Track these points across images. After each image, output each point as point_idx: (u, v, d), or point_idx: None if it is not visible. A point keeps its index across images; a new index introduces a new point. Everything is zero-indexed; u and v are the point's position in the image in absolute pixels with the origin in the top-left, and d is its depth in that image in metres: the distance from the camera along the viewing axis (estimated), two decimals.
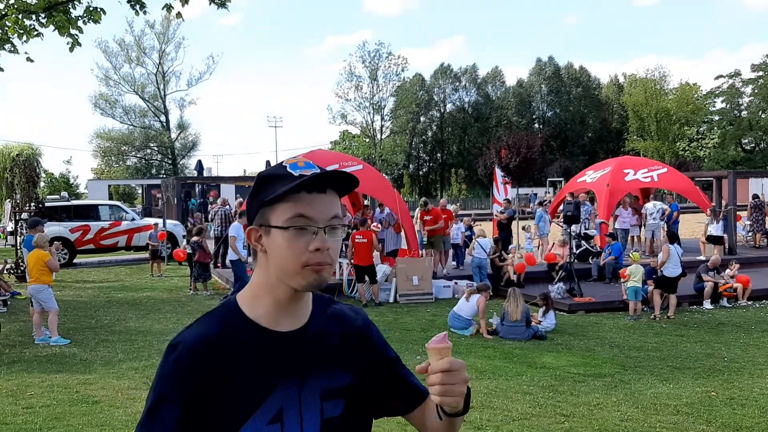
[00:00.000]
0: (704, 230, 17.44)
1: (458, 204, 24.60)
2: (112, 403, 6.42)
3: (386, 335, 9.84)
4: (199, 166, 29.24)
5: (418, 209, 15.45)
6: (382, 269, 13.24)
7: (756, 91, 63.27)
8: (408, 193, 63.74)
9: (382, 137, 67.26)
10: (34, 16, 11.92)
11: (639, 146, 64.84)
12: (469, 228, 16.64)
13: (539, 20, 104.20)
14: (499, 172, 19.51)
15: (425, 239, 14.83)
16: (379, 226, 14.20)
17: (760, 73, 62.18)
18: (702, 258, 15.63)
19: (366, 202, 17.42)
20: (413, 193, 68.22)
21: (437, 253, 14.85)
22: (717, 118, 67.31)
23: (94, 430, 5.71)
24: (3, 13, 11.93)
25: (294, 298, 1.39)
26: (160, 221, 19.45)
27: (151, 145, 63.74)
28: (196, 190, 24.47)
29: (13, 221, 16.28)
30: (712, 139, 67.05)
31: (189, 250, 14.10)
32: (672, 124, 65.86)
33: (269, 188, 1.35)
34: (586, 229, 15.66)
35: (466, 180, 66.03)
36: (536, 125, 74.08)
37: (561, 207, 16.63)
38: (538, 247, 17.56)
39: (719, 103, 66.71)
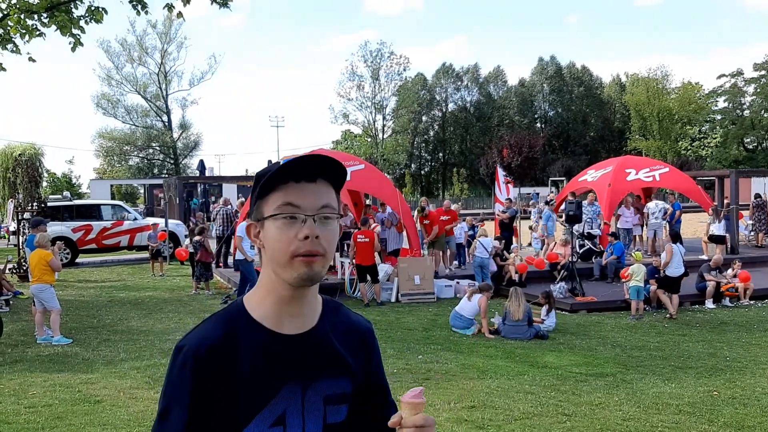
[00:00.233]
0: (706, 230, 17.41)
1: (460, 203, 24.56)
2: (114, 403, 6.42)
3: (388, 335, 9.87)
4: (201, 165, 29.25)
5: (416, 212, 15.41)
6: (384, 269, 13.23)
7: (758, 90, 63.19)
8: (410, 193, 63.72)
9: (384, 137, 67.28)
10: (36, 16, 11.94)
11: (641, 146, 64.81)
12: (472, 227, 16.64)
13: (541, 19, 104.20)
14: (501, 172, 19.53)
15: (425, 241, 14.80)
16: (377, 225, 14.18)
17: (763, 72, 62.09)
18: (704, 257, 15.61)
19: (368, 202, 17.43)
20: (415, 192, 68.19)
21: (437, 253, 14.83)
22: (719, 117, 67.23)
23: (96, 429, 5.72)
24: (5, 12, 11.95)
25: (296, 297, 1.38)
26: (159, 221, 19.47)
27: (153, 144, 63.81)
28: (198, 189, 24.49)
29: (16, 221, 16.30)
30: (715, 138, 66.95)
31: (191, 250, 14.12)
32: (674, 124, 65.81)
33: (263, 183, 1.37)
34: (590, 229, 15.64)
35: (468, 179, 66.01)
36: (538, 125, 74.04)
37: (563, 206, 16.63)
38: (542, 246, 17.54)
39: (721, 103, 66.71)
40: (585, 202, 15.99)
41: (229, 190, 35.46)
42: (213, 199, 22.53)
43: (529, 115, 73.78)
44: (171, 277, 16.31)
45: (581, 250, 15.35)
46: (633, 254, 12.86)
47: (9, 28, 11.99)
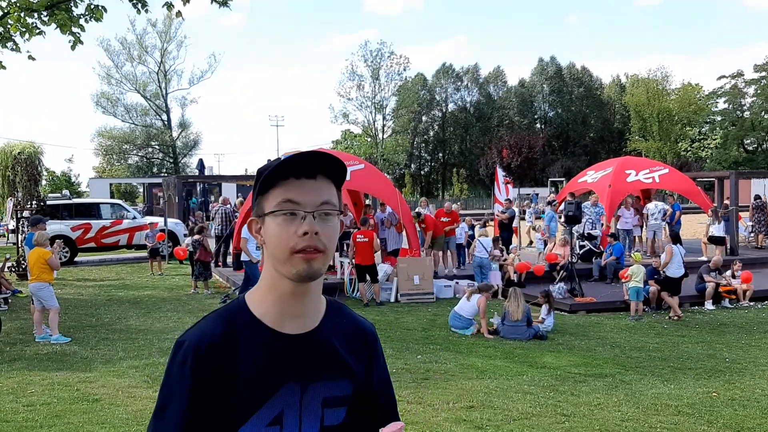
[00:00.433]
0: (706, 231, 17.41)
1: (459, 204, 24.57)
2: (112, 402, 6.42)
3: (387, 335, 9.86)
4: (201, 164, 29.24)
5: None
6: (383, 269, 13.23)
7: (759, 91, 63.20)
8: (410, 193, 63.71)
9: (384, 137, 67.29)
10: (36, 14, 11.92)
11: (641, 146, 64.82)
12: (471, 228, 16.63)
13: (541, 20, 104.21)
14: (500, 172, 19.52)
15: (423, 248, 14.77)
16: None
17: (763, 74, 62.10)
18: (703, 259, 15.62)
19: (368, 202, 17.41)
20: (415, 192, 68.20)
21: (436, 253, 14.81)
22: (719, 118, 67.25)
23: (95, 428, 5.71)
24: (5, 11, 11.93)
25: (297, 294, 1.37)
26: (157, 220, 19.45)
27: (153, 143, 63.80)
28: (198, 188, 24.48)
29: (15, 219, 16.29)
30: (714, 139, 66.98)
31: (190, 249, 14.11)
32: (674, 125, 65.82)
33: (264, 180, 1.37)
34: (590, 230, 15.64)
35: (467, 180, 66.00)
36: (538, 125, 74.04)
37: (562, 207, 16.63)
38: (546, 247, 17.53)
39: (721, 104, 66.71)
40: (588, 204, 16.00)
41: (229, 190, 35.48)
42: (212, 198, 22.50)
43: (529, 116, 73.78)
44: (170, 276, 16.30)
45: (581, 251, 15.34)
46: (632, 255, 12.86)
47: (9, 26, 11.97)
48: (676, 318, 11.24)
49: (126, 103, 61.78)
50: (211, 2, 12.31)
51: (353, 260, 12.50)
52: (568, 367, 8.09)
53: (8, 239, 19.74)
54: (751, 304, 12.57)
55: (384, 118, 66.77)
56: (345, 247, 13.68)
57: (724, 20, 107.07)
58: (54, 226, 17.22)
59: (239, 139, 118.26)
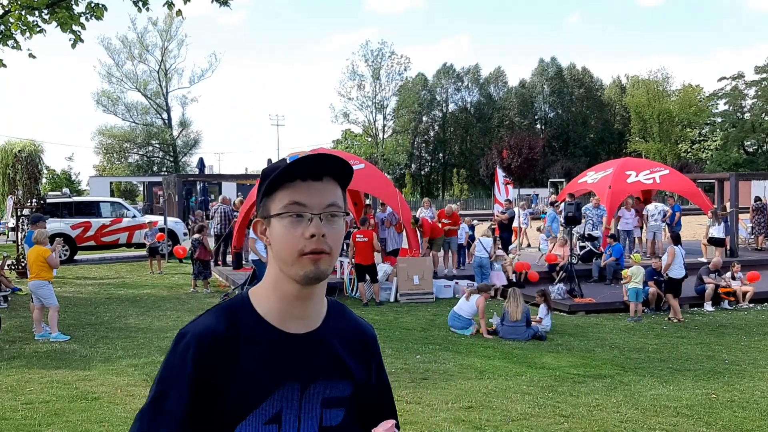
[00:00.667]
0: (706, 232, 17.41)
1: (459, 204, 24.54)
2: (111, 400, 6.42)
3: (386, 335, 9.85)
4: (201, 163, 29.22)
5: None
6: (383, 268, 13.23)
7: (759, 93, 63.17)
8: (410, 193, 63.74)
9: (385, 136, 67.23)
10: (36, 12, 11.91)
11: (641, 148, 64.85)
12: (471, 228, 16.62)
13: (542, 21, 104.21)
14: (500, 173, 19.54)
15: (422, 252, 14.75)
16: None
17: (764, 75, 62.06)
18: (703, 260, 15.62)
19: (368, 202, 17.41)
20: (415, 192, 68.22)
21: (435, 253, 14.81)
22: (719, 120, 67.26)
23: (93, 426, 5.71)
24: (6, 9, 11.93)
25: (301, 296, 1.37)
26: (158, 218, 19.44)
27: (153, 142, 63.75)
28: (198, 187, 24.48)
29: (15, 217, 16.30)
30: (715, 141, 66.98)
31: (189, 248, 14.11)
32: (674, 126, 65.85)
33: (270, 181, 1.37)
34: (591, 231, 15.64)
35: (467, 180, 66.03)
36: (538, 126, 74.06)
37: (561, 207, 16.62)
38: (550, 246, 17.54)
39: (722, 105, 66.69)
40: (590, 205, 16.01)
41: (229, 189, 35.46)
42: (212, 197, 22.51)
43: (530, 117, 73.81)
44: (169, 275, 16.30)
45: (581, 252, 15.35)
46: (632, 256, 12.86)
47: (10, 24, 11.97)
48: (676, 320, 11.24)
49: (126, 101, 61.79)
50: (212, 1, 12.31)
51: (353, 260, 12.50)
52: (567, 368, 8.08)
53: (8, 237, 19.74)
54: (751, 305, 12.57)
55: (384, 117, 66.75)
56: (345, 247, 13.68)
57: (725, 21, 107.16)
58: (54, 225, 17.22)
59: (239, 138, 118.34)
